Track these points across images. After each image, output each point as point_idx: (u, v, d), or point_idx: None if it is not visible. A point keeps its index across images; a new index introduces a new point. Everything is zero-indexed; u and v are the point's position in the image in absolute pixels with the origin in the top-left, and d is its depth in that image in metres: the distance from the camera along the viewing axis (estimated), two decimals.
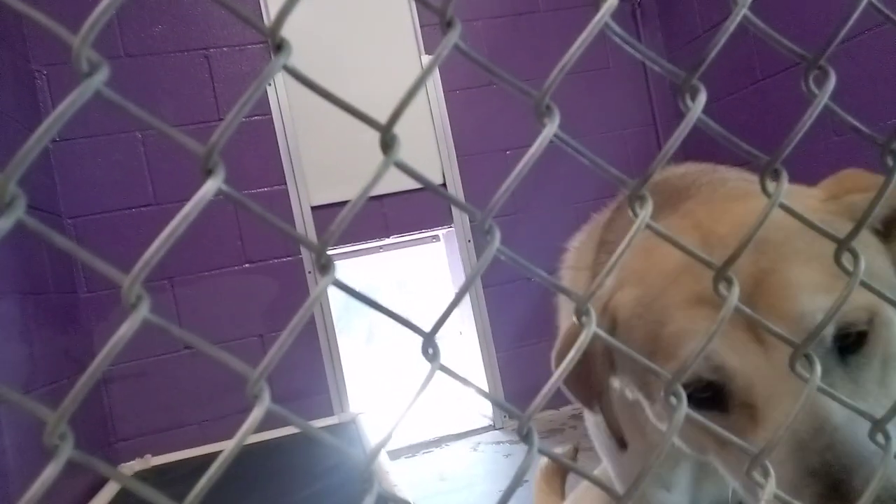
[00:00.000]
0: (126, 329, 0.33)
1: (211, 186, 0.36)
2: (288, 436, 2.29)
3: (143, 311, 0.34)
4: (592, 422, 0.92)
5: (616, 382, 0.73)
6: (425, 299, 3.52)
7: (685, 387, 0.60)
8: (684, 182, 0.80)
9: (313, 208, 2.74)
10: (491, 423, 2.86)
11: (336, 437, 0.38)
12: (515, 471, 0.41)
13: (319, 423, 2.42)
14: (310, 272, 2.72)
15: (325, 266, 0.39)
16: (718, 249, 0.58)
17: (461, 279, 2.93)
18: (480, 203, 0.41)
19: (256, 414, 0.36)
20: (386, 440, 0.40)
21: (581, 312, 0.44)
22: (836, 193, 0.63)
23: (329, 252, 0.38)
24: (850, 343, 0.57)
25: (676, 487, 0.88)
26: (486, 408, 2.92)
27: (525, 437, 0.43)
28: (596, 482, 0.49)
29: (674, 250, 0.60)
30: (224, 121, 0.35)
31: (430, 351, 0.43)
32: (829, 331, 0.56)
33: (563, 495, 1.68)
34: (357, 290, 0.41)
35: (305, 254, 2.68)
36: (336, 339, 2.75)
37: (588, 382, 0.70)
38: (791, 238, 0.59)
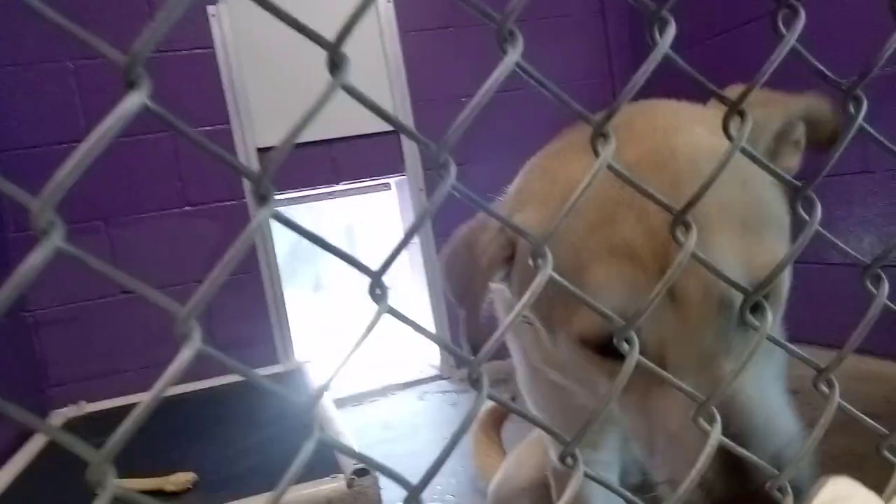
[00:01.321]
0: (37, 258, 0.29)
1: (134, 101, 0.32)
2: (235, 383, 2.26)
3: (55, 240, 0.30)
4: (523, 374, 0.92)
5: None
6: (375, 248, 3.49)
7: (593, 338, 0.59)
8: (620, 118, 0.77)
9: (259, 150, 2.64)
10: (438, 372, 2.89)
11: (280, 386, 0.36)
12: (462, 418, 0.39)
13: (264, 371, 2.39)
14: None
15: (265, 197, 0.36)
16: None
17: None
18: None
19: (185, 355, 0.33)
20: (327, 385, 0.38)
21: (537, 254, 0.42)
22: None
23: (277, 197, 0.35)
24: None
25: (604, 447, 0.90)
26: (434, 357, 2.93)
27: (475, 383, 0.41)
28: (544, 427, 0.48)
29: (577, 175, 0.59)
30: (150, 26, 0.31)
31: (378, 292, 0.40)
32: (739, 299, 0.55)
33: (500, 446, 1.72)
34: (298, 224, 0.37)
35: (251, 198, 2.59)
36: (281, 286, 2.70)
37: (466, 282, 0.69)
38: (703, 164, 0.56)
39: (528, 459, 1.39)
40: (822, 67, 0.48)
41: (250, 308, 2.62)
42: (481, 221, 0.70)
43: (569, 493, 0.45)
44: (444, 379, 2.84)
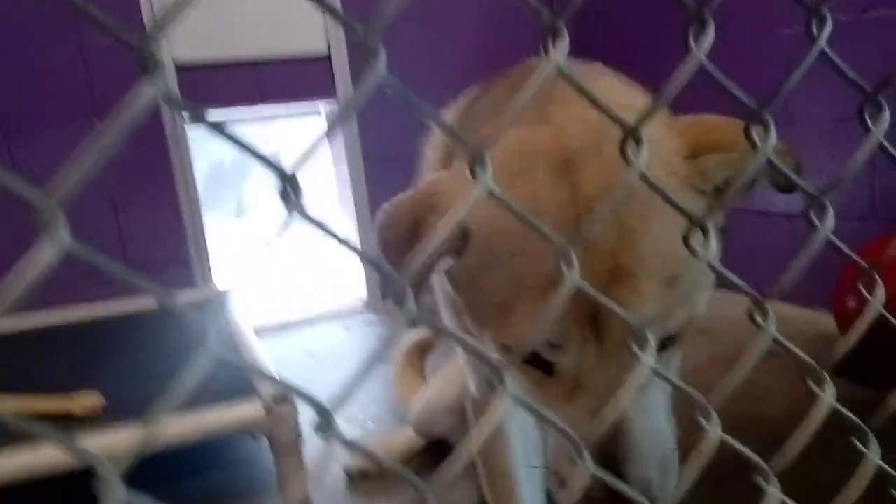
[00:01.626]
0: None
1: None
2: (150, 310, 2.15)
3: None
4: (449, 316, 0.89)
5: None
6: (302, 175, 3.38)
7: (519, 353, 0.59)
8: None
9: (178, 68, 2.44)
10: (365, 305, 2.86)
11: (198, 312, 0.31)
12: (387, 340, 0.36)
13: (180, 295, 2.28)
14: (172, 140, 2.47)
15: (146, 65, 0.29)
16: (578, 158, 0.58)
17: (343, 158, 2.79)
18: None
19: (46, 253, 0.27)
20: (226, 296, 0.33)
21: (474, 161, 0.37)
22: (696, 149, 0.62)
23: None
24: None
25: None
26: (360, 290, 2.90)
27: (397, 298, 0.37)
28: (474, 351, 0.45)
29: (536, 184, 0.56)
30: None
31: (291, 194, 0.35)
32: (654, 341, 0.58)
33: (423, 375, 1.72)
34: (190, 103, 0.31)
35: (166, 111, 2.41)
36: (199, 207, 2.56)
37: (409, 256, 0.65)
38: (651, 215, 0.58)
39: (452, 382, 1.39)
40: None
41: (166, 229, 2.49)
42: (425, 195, 0.63)
43: (495, 413, 0.42)
44: (370, 312, 2.82)
